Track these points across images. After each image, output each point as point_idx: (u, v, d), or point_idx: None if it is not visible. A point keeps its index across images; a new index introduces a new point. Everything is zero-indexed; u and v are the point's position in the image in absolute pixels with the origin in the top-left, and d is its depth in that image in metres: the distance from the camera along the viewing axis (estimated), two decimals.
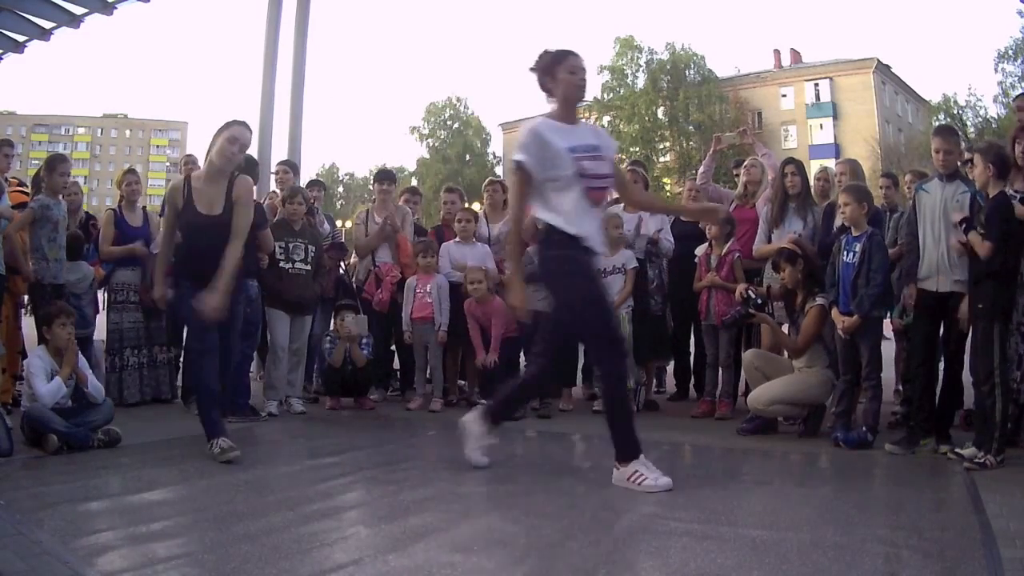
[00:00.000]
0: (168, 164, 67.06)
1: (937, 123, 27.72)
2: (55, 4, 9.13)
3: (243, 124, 4.20)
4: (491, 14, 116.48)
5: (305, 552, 2.55)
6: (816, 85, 40.68)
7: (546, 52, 3.56)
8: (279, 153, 8.49)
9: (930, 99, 38.25)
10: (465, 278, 5.50)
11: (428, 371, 5.85)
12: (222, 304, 3.90)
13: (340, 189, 62.10)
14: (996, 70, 31.29)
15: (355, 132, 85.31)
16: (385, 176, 6.46)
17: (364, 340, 5.68)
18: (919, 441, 4.17)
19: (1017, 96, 5.58)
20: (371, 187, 6.68)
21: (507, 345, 5.51)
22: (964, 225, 3.97)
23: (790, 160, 5.48)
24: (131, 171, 6.23)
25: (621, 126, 41.24)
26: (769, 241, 5.26)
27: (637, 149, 39.96)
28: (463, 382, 6.18)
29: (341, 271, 6.56)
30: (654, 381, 6.29)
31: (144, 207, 6.18)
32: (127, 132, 74.96)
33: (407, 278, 5.83)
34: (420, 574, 2.37)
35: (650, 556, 2.52)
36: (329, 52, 48.41)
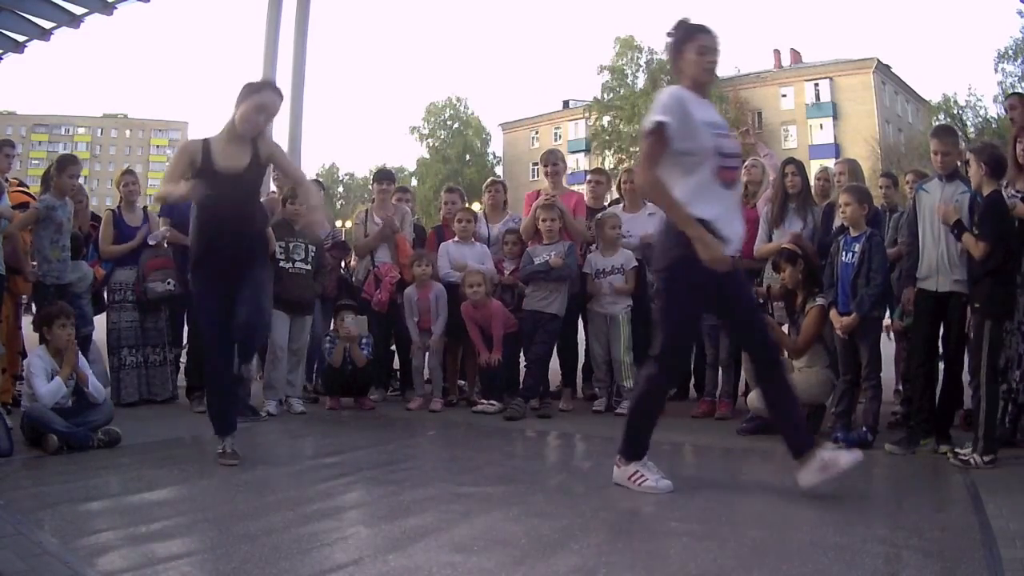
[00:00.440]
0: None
1: (937, 123, 27.71)
2: (55, 4, 9.13)
3: (275, 90, 3.76)
4: (491, 14, 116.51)
5: (305, 552, 2.56)
6: (816, 85, 40.66)
7: (681, 23, 3.30)
8: None
9: (930, 99, 38.26)
10: (463, 281, 5.49)
11: (427, 371, 5.86)
12: (320, 218, 4.06)
13: (340, 189, 62.15)
14: (996, 70, 31.31)
15: (355, 132, 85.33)
16: (384, 176, 6.46)
17: (364, 340, 5.68)
18: (919, 441, 4.17)
19: (1010, 95, 5.57)
20: (371, 187, 6.67)
21: (506, 343, 5.51)
22: (956, 229, 3.98)
23: (790, 160, 5.48)
24: (128, 172, 6.26)
25: (621, 126, 41.23)
26: (770, 241, 5.26)
27: (637, 149, 39.91)
28: (463, 382, 6.18)
29: (343, 271, 6.56)
30: None
31: (145, 207, 6.19)
32: (127, 132, 74.99)
33: (405, 279, 5.83)
34: (420, 574, 2.37)
35: (650, 556, 2.52)
36: (329, 52, 48.37)
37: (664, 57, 41.04)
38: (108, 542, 2.65)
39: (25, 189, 6.28)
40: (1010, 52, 30.41)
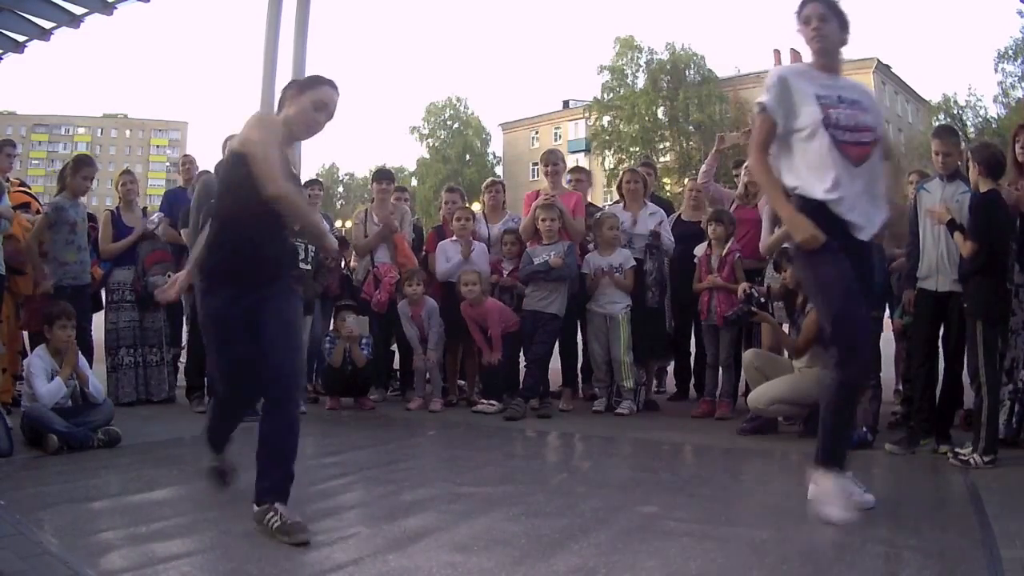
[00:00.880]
0: (168, 164, 67.09)
1: (937, 123, 27.72)
2: (55, 4, 9.12)
3: (333, 85, 3.09)
4: (491, 14, 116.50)
5: (305, 552, 2.56)
6: None
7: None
8: None
9: (930, 99, 38.29)
10: (459, 280, 5.49)
11: (427, 371, 5.86)
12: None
13: (340, 189, 62.14)
14: (996, 70, 31.38)
15: (355, 132, 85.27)
16: (384, 175, 6.46)
17: (364, 340, 5.68)
18: (919, 441, 4.17)
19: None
20: (370, 187, 6.67)
21: (505, 343, 5.52)
22: (950, 228, 3.99)
23: None
24: (126, 172, 6.29)
25: (621, 126, 41.24)
26: None
27: (637, 149, 39.94)
28: (463, 382, 6.18)
29: (344, 270, 6.56)
30: (654, 381, 6.29)
31: (145, 208, 6.21)
32: (127, 132, 75.02)
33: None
34: (420, 574, 2.37)
35: (650, 556, 2.52)
36: (329, 52, 48.25)
37: (662, 58, 40.55)
38: (108, 542, 2.65)
39: (26, 189, 6.30)
40: (1010, 52, 30.46)
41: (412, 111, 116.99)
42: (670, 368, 6.71)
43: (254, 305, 2.87)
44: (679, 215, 6.31)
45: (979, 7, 69.39)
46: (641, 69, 41.79)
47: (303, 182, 6.82)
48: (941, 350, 4.32)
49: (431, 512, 3.04)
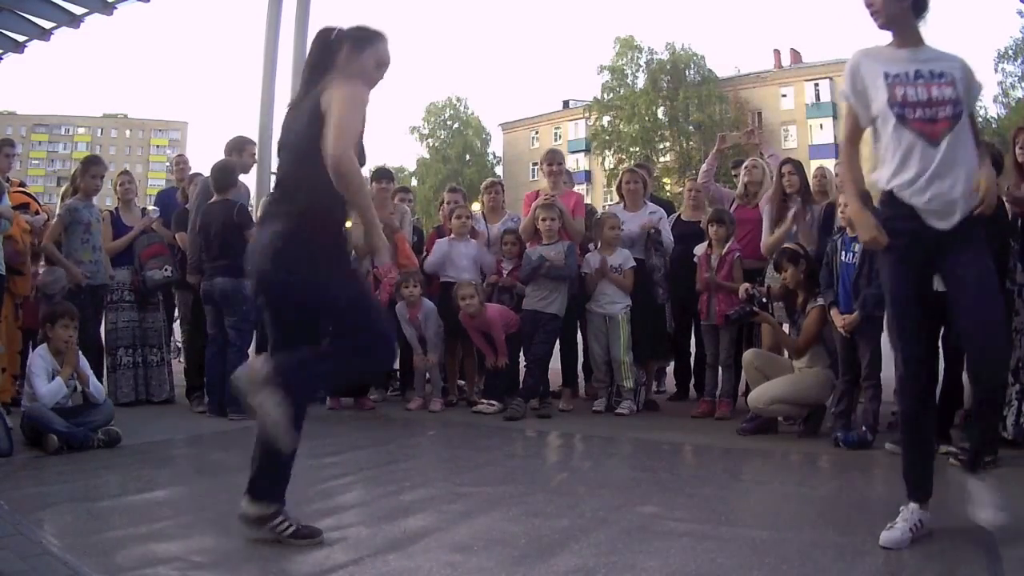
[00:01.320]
0: (168, 164, 67.09)
1: None
2: (55, 4, 9.10)
3: (387, 37, 2.89)
4: (491, 14, 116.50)
5: (305, 552, 2.56)
6: (816, 85, 40.65)
7: None
8: None
9: None
10: (455, 294, 5.47)
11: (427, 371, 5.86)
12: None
13: None
14: (996, 70, 31.32)
15: None
16: (384, 175, 6.45)
17: None
18: None
19: None
20: (371, 187, 6.66)
21: (506, 343, 5.51)
22: None
23: (787, 160, 5.48)
24: (124, 172, 6.33)
25: (621, 126, 41.23)
26: None
27: (637, 149, 39.93)
28: (462, 382, 6.18)
29: None
30: (654, 381, 6.29)
31: (144, 208, 6.23)
32: (127, 132, 74.95)
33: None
34: (420, 574, 2.37)
35: (650, 556, 2.52)
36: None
37: (662, 57, 40.29)
38: (108, 542, 2.65)
39: (25, 190, 6.30)
40: (1010, 52, 30.45)
41: (412, 111, 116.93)
42: (670, 368, 6.71)
43: None
44: (679, 215, 6.31)
45: (979, 7, 69.35)
46: (641, 69, 41.80)
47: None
48: (941, 350, 4.32)
49: (431, 512, 3.04)
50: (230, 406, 5.16)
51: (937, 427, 4.19)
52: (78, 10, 9.31)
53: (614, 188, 6.91)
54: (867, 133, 2.86)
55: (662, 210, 5.97)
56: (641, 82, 41.62)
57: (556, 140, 44.48)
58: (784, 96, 41.44)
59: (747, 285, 5.00)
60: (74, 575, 2.34)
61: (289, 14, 8.84)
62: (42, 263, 5.60)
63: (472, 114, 51.52)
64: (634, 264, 5.50)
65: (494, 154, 52.14)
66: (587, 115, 43.39)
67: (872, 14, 2.77)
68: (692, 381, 6.19)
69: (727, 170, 8.07)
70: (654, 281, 5.55)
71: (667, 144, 41.30)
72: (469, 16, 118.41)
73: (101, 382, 4.91)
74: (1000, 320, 2.85)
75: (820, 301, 4.59)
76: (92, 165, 5.61)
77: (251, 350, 5.57)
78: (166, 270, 5.68)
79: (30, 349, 5.09)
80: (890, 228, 2.69)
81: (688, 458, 4.38)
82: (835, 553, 2.53)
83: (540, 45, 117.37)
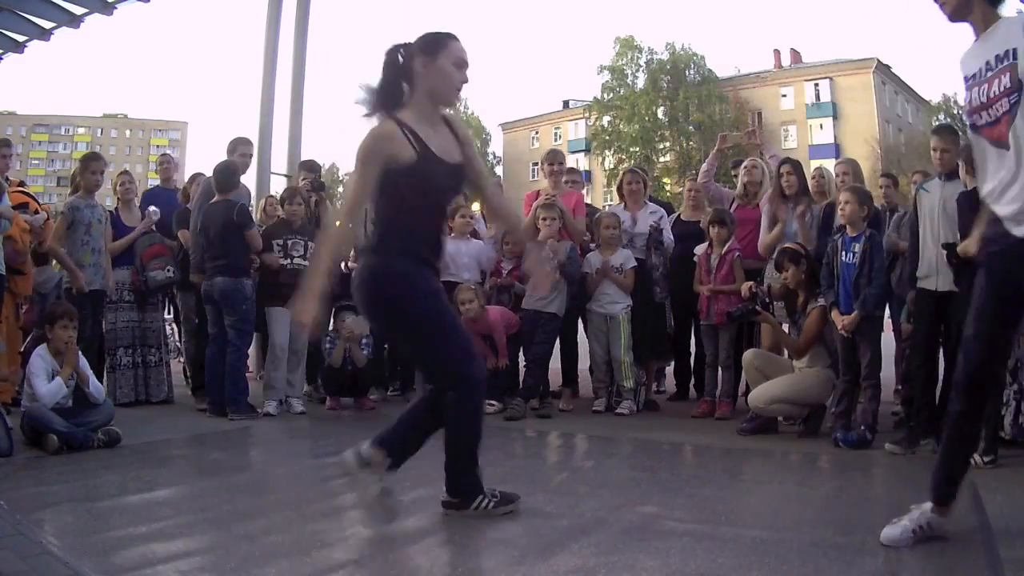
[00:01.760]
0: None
1: (937, 123, 27.70)
2: (55, 4, 9.11)
3: (456, 37, 2.78)
4: (491, 14, 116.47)
5: (305, 552, 2.55)
6: (816, 85, 40.69)
7: None
8: (279, 153, 8.49)
9: (930, 99, 38.29)
10: (455, 298, 5.46)
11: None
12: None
13: (340, 189, 62.08)
14: None
15: (356, 132, 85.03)
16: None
17: (364, 340, 5.68)
18: (919, 441, 4.16)
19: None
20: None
21: (507, 344, 5.51)
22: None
23: (786, 160, 5.49)
24: (124, 172, 6.35)
25: (621, 126, 41.25)
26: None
27: (637, 149, 39.96)
28: None
29: (344, 270, 6.55)
30: (654, 381, 6.29)
31: (147, 208, 6.22)
32: (127, 132, 74.92)
33: None
34: (420, 574, 2.37)
35: (650, 556, 2.52)
36: (329, 52, 48.23)
37: (662, 57, 40.38)
38: (108, 542, 2.65)
39: (25, 190, 6.30)
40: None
41: None
42: (670, 368, 6.71)
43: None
44: (679, 215, 6.31)
45: None
46: (641, 69, 41.85)
47: (299, 162, 6.52)
48: (941, 350, 4.32)
49: (431, 512, 3.03)
50: (230, 406, 5.17)
51: (937, 427, 4.19)
52: (78, 10, 9.31)
53: (614, 188, 6.91)
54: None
55: (663, 210, 5.97)
56: (641, 82, 41.66)
57: (556, 140, 44.50)
58: (784, 96, 41.46)
59: (750, 283, 4.99)
60: (74, 575, 2.34)
61: (289, 14, 8.85)
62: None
63: (472, 114, 51.51)
64: (635, 264, 5.50)
65: (494, 154, 52.14)
66: (587, 115, 43.41)
67: (940, 6, 2.58)
68: (692, 381, 6.19)
69: (727, 170, 8.07)
70: (653, 280, 5.55)
71: (667, 144, 41.33)
72: (469, 16, 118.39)
73: (101, 382, 4.91)
74: None
75: (821, 301, 4.59)
76: (91, 161, 5.62)
77: (251, 350, 5.60)
78: (168, 270, 5.69)
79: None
80: (987, 237, 2.58)
81: (688, 458, 4.38)
82: (835, 553, 2.53)
83: (540, 45, 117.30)
